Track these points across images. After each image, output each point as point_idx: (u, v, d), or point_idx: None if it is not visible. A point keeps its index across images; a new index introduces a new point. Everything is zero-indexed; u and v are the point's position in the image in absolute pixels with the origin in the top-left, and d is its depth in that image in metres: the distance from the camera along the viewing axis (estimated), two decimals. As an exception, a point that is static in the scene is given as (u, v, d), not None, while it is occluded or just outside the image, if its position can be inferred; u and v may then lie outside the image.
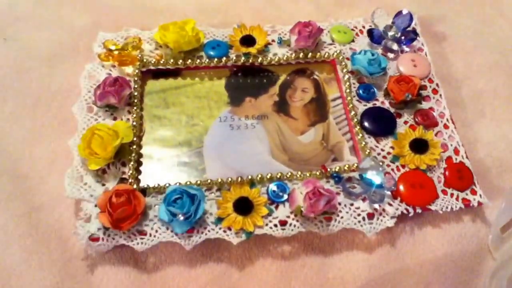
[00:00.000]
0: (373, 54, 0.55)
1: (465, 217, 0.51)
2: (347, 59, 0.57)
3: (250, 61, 0.57)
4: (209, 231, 0.46)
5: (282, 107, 0.55)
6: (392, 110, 0.54)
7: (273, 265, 0.48)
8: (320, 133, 0.54)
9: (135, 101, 0.53)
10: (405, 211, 0.48)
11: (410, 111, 0.54)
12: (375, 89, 0.55)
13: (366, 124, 0.53)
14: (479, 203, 0.49)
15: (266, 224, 0.47)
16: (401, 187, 0.49)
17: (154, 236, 0.46)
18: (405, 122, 0.53)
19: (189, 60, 0.56)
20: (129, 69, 0.55)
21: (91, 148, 0.47)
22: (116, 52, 0.55)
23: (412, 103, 0.54)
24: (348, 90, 0.55)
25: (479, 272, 0.49)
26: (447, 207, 0.48)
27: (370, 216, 0.48)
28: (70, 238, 0.48)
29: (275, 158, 0.52)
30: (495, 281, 0.44)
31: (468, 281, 0.48)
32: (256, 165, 0.51)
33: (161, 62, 0.56)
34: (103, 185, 0.48)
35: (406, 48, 0.58)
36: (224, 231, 0.46)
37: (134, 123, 0.51)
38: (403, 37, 0.58)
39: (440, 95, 0.55)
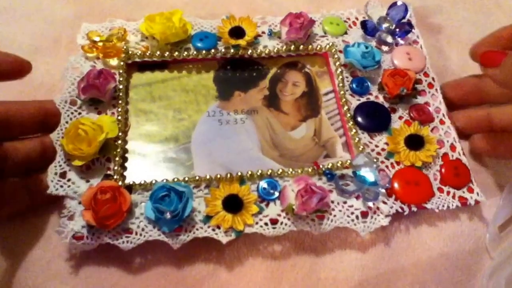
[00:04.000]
0: (366, 47, 0.55)
1: (462, 215, 0.51)
2: (340, 51, 0.57)
3: (240, 53, 0.56)
4: (197, 229, 0.46)
5: (272, 101, 0.55)
6: (386, 105, 0.54)
7: (263, 265, 0.48)
8: (312, 128, 0.53)
9: (120, 94, 0.52)
10: (399, 210, 0.47)
11: (405, 106, 0.54)
12: (369, 83, 0.55)
13: (359, 119, 0.52)
14: (476, 202, 0.49)
15: (257, 223, 0.46)
16: (396, 185, 0.48)
17: (141, 234, 0.45)
18: (400, 118, 0.53)
19: (176, 53, 0.55)
20: (113, 62, 0.54)
21: (75, 144, 0.46)
22: (100, 44, 0.54)
23: (407, 98, 0.54)
24: (341, 84, 0.55)
25: (476, 272, 0.49)
26: (443, 206, 0.48)
27: (364, 214, 0.47)
28: (51, 236, 0.47)
29: (265, 154, 0.51)
30: (493, 280, 0.44)
31: (464, 281, 0.48)
32: (245, 161, 0.50)
33: (147, 54, 0.55)
34: (87, 181, 0.47)
35: (401, 41, 0.58)
36: (213, 230, 0.46)
37: (119, 118, 0.51)
38: (397, 29, 0.58)
39: (436, 89, 0.55)
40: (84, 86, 0.50)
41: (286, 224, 0.46)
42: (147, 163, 0.50)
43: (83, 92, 0.50)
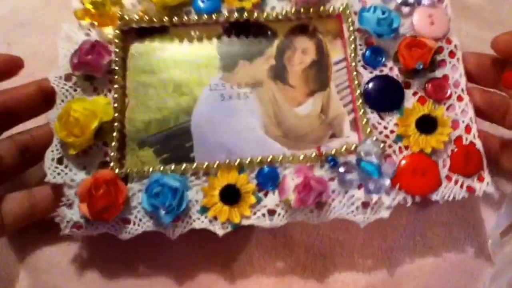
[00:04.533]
0: (383, 12, 0.49)
1: (467, 220, 0.49)
2: (355, 13, 0.51)
3: (245, 16, 0.52)
4: (194, 220, 0.46)
5: (279, 72, 0.51)
6: (401, 78, 0.49)
7: (274, 268, 0.50)
8: (319, 104, 0.50)
9: (117, 68, 0.50)
10: (402, 201, 0.46)
11: (421, 80, 0.50)
12: (383, 54, 0.50)
13: (370, 96, 0.49)
14: (484, 192, 0.46)
15: (254, 213, 0.46)
16: (401, 173, 0.46)
17: (138, 225, 0.46)
18: (415, 93, 0.49)
19: (176, 17, 0.51)
20: (108, 31, 0.50)
21: (69, 130, 0.45)
22: (93, 10, 0.50)
23: (424, 71, 0.49)
24: (353, 54, 0.50)
25: (479, 276, 0.50)
26: (449, 196, 0.46)
27: (365, 205, 0.46)
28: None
29: (268, 134, 0.49)
30: (495, 285, 0.43)
31: (467, 285, 0.49)
32: (247, 142, 0.49)
33: (145, 19, 0.51)
34: (84, 167, 0.47)
35: (424, 1, 0.52)
36: (210, 221, 0.46)
37: (116, 96, 0.49)
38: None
39: (458, 58, 0.50)
40: (76, 63, 0.48)
41: (283, 216, 0.46)
42: (145, 144, 0.49)
43: (76, 69, 0.48)
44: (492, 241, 0.50)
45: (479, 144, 0.47)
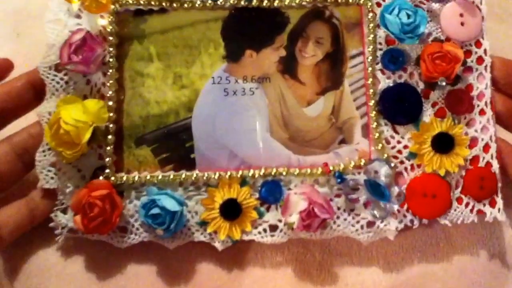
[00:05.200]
0: (409, 16, 0.44)
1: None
2: (378, 4, 0.46)
3: (254, 3, 0.46)
4: (193, 233, 0.45)
5: (288, 65, 0.47)
6: (421, 85, 0.46)
7: (288, 269, 0.47)
8: (330, 104, 0.47)
9: (111, 60, 0.45)
10: (409, 224, 0.45)
11: (442, 90, 0.46)
12: (404, 56, 0.45)
13: (385, 106, 0.45)
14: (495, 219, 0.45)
15: (255, 227, 0.45)
16: (411, 196, 0.44)
17: (135, 234, 0.45)
18: (434, 104, 0.46)
19: (175, 3, 0.46)
20: (102, 21, 0.45)
21: (60, 139, 0.42)
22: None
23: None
24: (371, 57, 0.45)
25: (508, 276, 0.48)
26: (457, 220, 0.45)
27: (370, 224, 0.45)
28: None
29: (274, 135, 0.46)
30: None
31: (496, 286, 0.47)
32: (251, 143, 0.46)
33: (142, 1, 0.46)
34: (79, 171, 0.45)
35: (458, -5, 0.46)
36: (210, 234, 0.45)
37: (111, 93, 0.45)
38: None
39: (486, 66, 0.46)
40: (66, 62, 0.43)
41: (285, 232, 0.45)
42: (143, 144, 0.46)
43: (65, 65, 0.44)
44: None
45: (495, 166, 0.45)
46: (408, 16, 0.44)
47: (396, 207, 0.44)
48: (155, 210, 0.42)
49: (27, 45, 0.47)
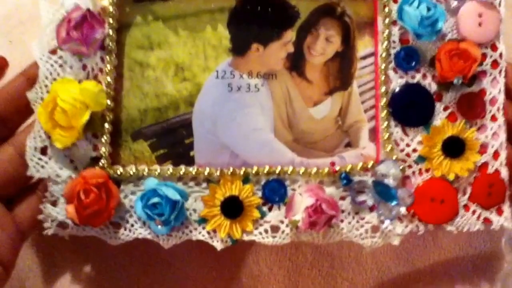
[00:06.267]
0: (429, 9, 0.42)
1: None
2: (395, 1, 0.44)
3: (264, -9, 0.44)
4: (191, 231, 0.43)
5: (296, 62, 0.45)
6: (434, 87, 0.44)
7: (281, 269, 0.48)
8: (338, 106, 0.45)
9: (110, 45, 0.42)
10: (415, 229, 0.43)
11: (455, 93, 0.44)
12: (419, 56, 0.44)
13: (396, 107, 0.44)
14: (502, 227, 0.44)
15: (256, 228, 0.43)
16: (419, 200, 0.43)
17: (130, 230, 0.43)
18: (446, 108, 0.44)
19: (182, -12, 0.43)
20: (103, 1, 0.43)
21: (55, 120, 0.40)
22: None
23: (460, 84, 0.43)
24: (384, 54, 0.44)
25: (492, 276, 0.49)
26: (463, 227, 0.44)
27: (375, 229, 0.43)
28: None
29: (278, 136, 0.44)
30: (506, 284, 0.45)
31: (481, 285, 0.49)
32: (253, 144, 0.44)
33: (145, -17, 0.43)
34: (71, 161, 0.42)
35: (477, -6, 0.44)
36: (208, 233, 0.43)
37: (109, 79, 0.42)
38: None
39: (500, 71, 0.44)
40: (64, 38, 0.41)
41: (287, 234, 0.43)
42: (140, 137, 0.44)
43: (63, 43, 0.41)
44: (505, 239, 0.49)
45: (504, 173, 0.44)
46: (428, 10, 0.42)
47: (403, 209, 0.42)
48: (156, 199, 0.40)
49: (20, 52, 0.46)
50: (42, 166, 0.42)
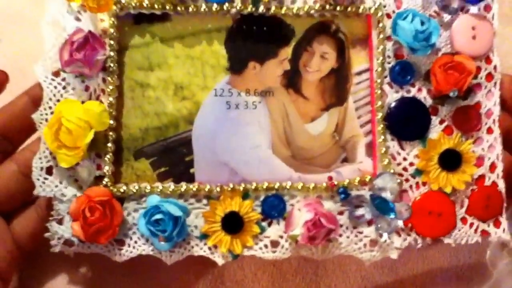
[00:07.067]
0: (423, 23, 0.43)
1: None
2: (388, 16, 0.45)
3: (261, 10, 0.45)
4: (192, 247, 0.44)
5: (292, 79, 0.46)
6: (429, 101, 0.45)
7: (265, 274, 0.49)
8: (334, 121, 0.46)
9: (111, 65, 0.44)
10: (413, 243, 0.44)
11: (451, 106, 0.45)
12: (414, 70, 0.44)
13: (392, 121, 0.44)
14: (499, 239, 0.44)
15: (256, 243, 0.44)
16: (416, 213, 0.43)
17: (134, 247, 0.44)
18: (441, 121, 0.45)
19: (179, 7, 0.44)
20: (104, 23, 0.44)
21: (60, 140, 0.41)
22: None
23: (455, 98, 0.44)
24: (379, 69, 0.44)
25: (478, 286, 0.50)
26: (461, 240, 0.44)
27: (373, 243, 0.44)
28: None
29: (276, 153, 0.45)
30: None
31: None
32: (252, 161, 0.45)
33: (145, 4, 0.44)
34: (76, 180, 0.43)
35: (472, 8, 0.45)
36: (210, 248, 0.44)
37: (111, 99, 0.43)
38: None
39: (495, 83, 0.45)
40: (67, 60, 0.42)
41: (287, 249, 0.44)
42: (141, 155, 0.45)
43: (66, 65, 0.42)
44: (490, 252, 0.50)
45: (501, 186, 0.44)
46: (422, 23, 0.43)
47: (401, 222, 0.43)
48: (158, 216, 0.41)
49: (11, 50, 0.46)
50: (48, 186, 0.43)
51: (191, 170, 0.45)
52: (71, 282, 0.49)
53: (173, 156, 0.45)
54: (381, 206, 0.43)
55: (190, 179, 0.45)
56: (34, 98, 0.44)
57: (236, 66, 0.46)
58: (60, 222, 0.43)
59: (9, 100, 0.45)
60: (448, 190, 0.44)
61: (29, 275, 0.48)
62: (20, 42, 0.50)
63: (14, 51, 0.46)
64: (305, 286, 0.50)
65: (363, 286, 0.50)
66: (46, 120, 0.43)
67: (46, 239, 0.43)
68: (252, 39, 0.46)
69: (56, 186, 0.43)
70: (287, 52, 0.46)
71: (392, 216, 0.42)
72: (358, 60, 0.46)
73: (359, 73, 0.46)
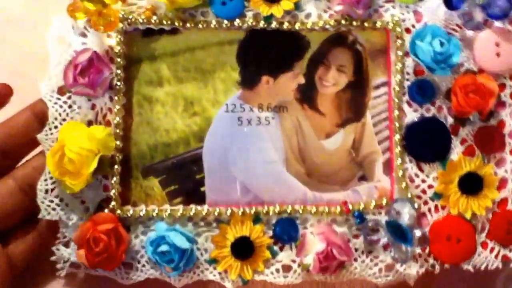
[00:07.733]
0: (442, 44, 0.40)
1: None
2: (408, 31, 0.42)
3: (273, 26, 0.43)
4: (202, 271, 0.43)
5: (307, 94, 0.44)
6: (450, 120, 0.42)
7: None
8: (351, 137, 0.44)
9: (118, 84, 0.42)
10: (430, 268, 0.42)
11: (472, 126, 0.43)
12: (434, 88, 0.42)
13: (411, 142, 0.42)
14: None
15: (268, 267, 0.43)
16: (434, 239, 0.41)
17: (141, 271, 0.43)
18: (463, 141, 0.43)
19: (189, 23, 0.43)
20: (110, 40, 0.42)
21: (64, 167, 0.40)
22: (90, 6, 0.41)
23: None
24: (397, 88, 0.42)
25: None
26: (481, 265, 0.42)
27: (389, 267, 0.42)
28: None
29: (290, 170, 0.44)
30: None
31: None
32: (265, 178, 0.44)
33: (153, 20, 0.42)
34: (83, 202, 0.42)
35: (496, 22, 0.42)
36: (219, 273, 0.43)
37: (118, 119, 0.42)
38: (496, 7, 0.41)
39: (520, 102, 0.43)
40: (71, 83, 0.41)
41: (299, 274, 0.42)
42: (151, 175, 0.43)
43: (70, 87, 0.41)
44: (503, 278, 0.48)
45: (524, 209, 0.42)
46: (442, 45, 0.41)
47: (418, 250, 0.41)
48: (164, 247, 0.40)
49: (9, 52, 0.45)
50: (53, 209, 0.42)
51: (202, 189, 0.43)
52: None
53: (183, 174, 0.44)
54: (396, 234, 0.41)
55: (201, 197, 0.43)
56: (37, 113, 0.42)
57: (248, 81, 0.44)
58: (66, 245, 0.42)
59: (8, 107, 0.43)
60: (468, 215, 0.42)
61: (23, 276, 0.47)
62: (20, 45, 0.48)
63: (14, 54, 0.45)
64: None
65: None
66: (52, 140, 0.41)
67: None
68: (265, 52, 0.44)
69: (62, 209, 0.42)
70: (302, 65, 0.44)
71: (407, 245, 0.41)
72: (376, 72, 0.44)
73: (378, 86, 0.44)
